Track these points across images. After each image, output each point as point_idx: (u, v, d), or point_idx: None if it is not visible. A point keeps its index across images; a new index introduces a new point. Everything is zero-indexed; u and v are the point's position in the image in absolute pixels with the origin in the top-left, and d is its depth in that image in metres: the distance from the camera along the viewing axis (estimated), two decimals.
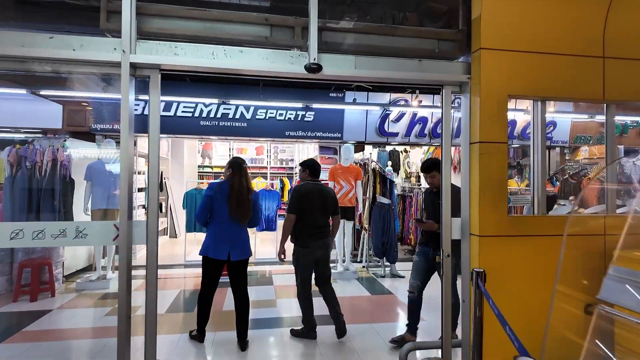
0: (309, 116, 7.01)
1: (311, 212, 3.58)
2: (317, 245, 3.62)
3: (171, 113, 6.57)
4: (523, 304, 2.71)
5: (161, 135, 7.17)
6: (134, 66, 2.43)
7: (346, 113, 7.13)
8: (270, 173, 13.75)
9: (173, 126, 6.64)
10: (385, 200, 6.14)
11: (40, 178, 5.34)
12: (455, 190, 2.91)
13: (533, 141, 3.02)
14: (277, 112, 6.90)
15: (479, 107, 2.76)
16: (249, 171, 3.64)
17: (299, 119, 6.98)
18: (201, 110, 6.67)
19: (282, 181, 13.44)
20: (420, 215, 6.41)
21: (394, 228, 6.17)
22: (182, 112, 6.62)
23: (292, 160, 13.90)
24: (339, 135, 7.17)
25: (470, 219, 2.83)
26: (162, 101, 6.39)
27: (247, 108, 6.78)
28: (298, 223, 3.57)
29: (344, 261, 6.24)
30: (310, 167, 3.75)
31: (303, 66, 2.69)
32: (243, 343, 3.54)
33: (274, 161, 13.87)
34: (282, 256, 3.66)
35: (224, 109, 6.73)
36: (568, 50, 2.86)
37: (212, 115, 6.71)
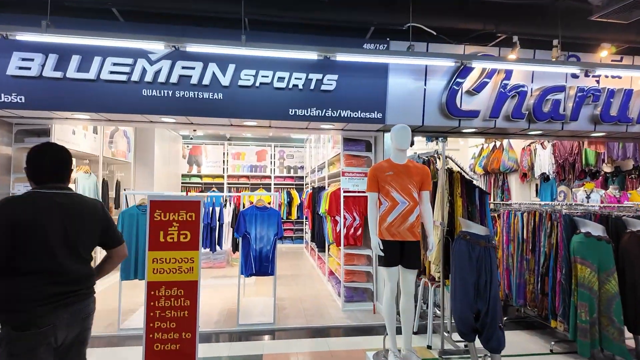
0: (329, 83, 4.14)
1: (41, 252, 1.77)
2: (62, 321, 1.79)
3: (91, 75, 3.77)
4: None
5: (77, 115, 4.32)
6: None
7: (391, 79, 4.25)
8: (275, 184, 10.91)
9: (96, 98, 3.83)
10: (480, 230, 3.18)
11: None
12: None
13: None
14: (274, 74, 4.05)
15: None
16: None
17: (311, 87, 4.12)
18: (143, 71, 3.86)
19: (289, 194, 10.57)
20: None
21: (497, 283, 3.19)
22: (111, 72, 3.81)
23: (301, 167, 11.05)
24: (380, 115, 4.28)
25: None
26: (73, 52, 3.62)
27: (223, 67, 3.95)
28: (6, 277, 1.73)
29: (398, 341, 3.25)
30: (34, 157, 1.90)
31: None
32: None
33: (279, 169, 11.04)
34: None
35: (183, 67, 3.90)
36: None
37: (162, 78, 3.89)
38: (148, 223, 3.12)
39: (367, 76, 4.20)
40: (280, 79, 4.06)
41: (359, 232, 4.90)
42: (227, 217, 6.52)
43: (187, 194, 8.03)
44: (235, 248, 6.46)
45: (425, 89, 4.35)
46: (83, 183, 5.40)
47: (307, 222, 9.88)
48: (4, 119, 4.27)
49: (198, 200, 3.10)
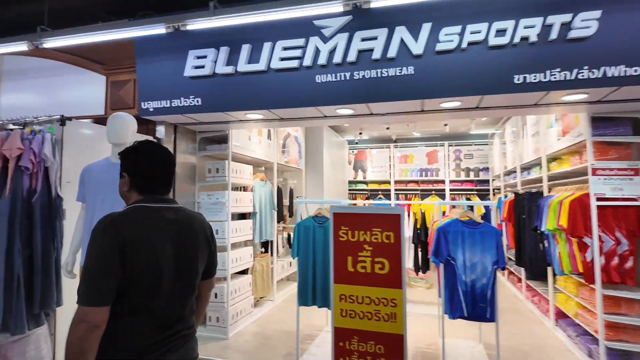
0: (584, 25, 2.60)
1: (154, 284, 1.34)
2: None
3: (262, 66, 3.26)
4: None
5: (250, 115, 3.80)
6: None
7: None
8: (450, 190, 9.36)
9: (267, 92, 3.30)
10: None
11: None
12: None
13: None
14: (489, 27, 2.77)
15: None
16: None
17: (551, 37, 2.67)
18: (316, 52, 3.14)
19: (469, 201, 8.85)
20: None
21: None
22: (282, 59, 3.22)
23: (484, 169, 9.18)
24: None
25: None
26: (243, 41, 3.18)
27: (415, 29, 2.89)
28: (116, 320, 1.29)
29: None
30: (143, 159, 1.44)
31: None
32: None
33: (454, 172, 9.44)
34: None
35: (363, 39, 3.01)
36: None
37: (337, 58, 3.09)
38: (332, 244, 2.28)
39: None
40: (500, 32, 2.75)
41: (629, 263, 3.08)
42: (407, 230, 5.45)
43: (365, 204, 7.31)
44: (417, 268, 5.34)
45: None
46: (260, 191, 5.18)
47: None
48: (187, 127, 4.24)
49: (398, 213, 2.08)
